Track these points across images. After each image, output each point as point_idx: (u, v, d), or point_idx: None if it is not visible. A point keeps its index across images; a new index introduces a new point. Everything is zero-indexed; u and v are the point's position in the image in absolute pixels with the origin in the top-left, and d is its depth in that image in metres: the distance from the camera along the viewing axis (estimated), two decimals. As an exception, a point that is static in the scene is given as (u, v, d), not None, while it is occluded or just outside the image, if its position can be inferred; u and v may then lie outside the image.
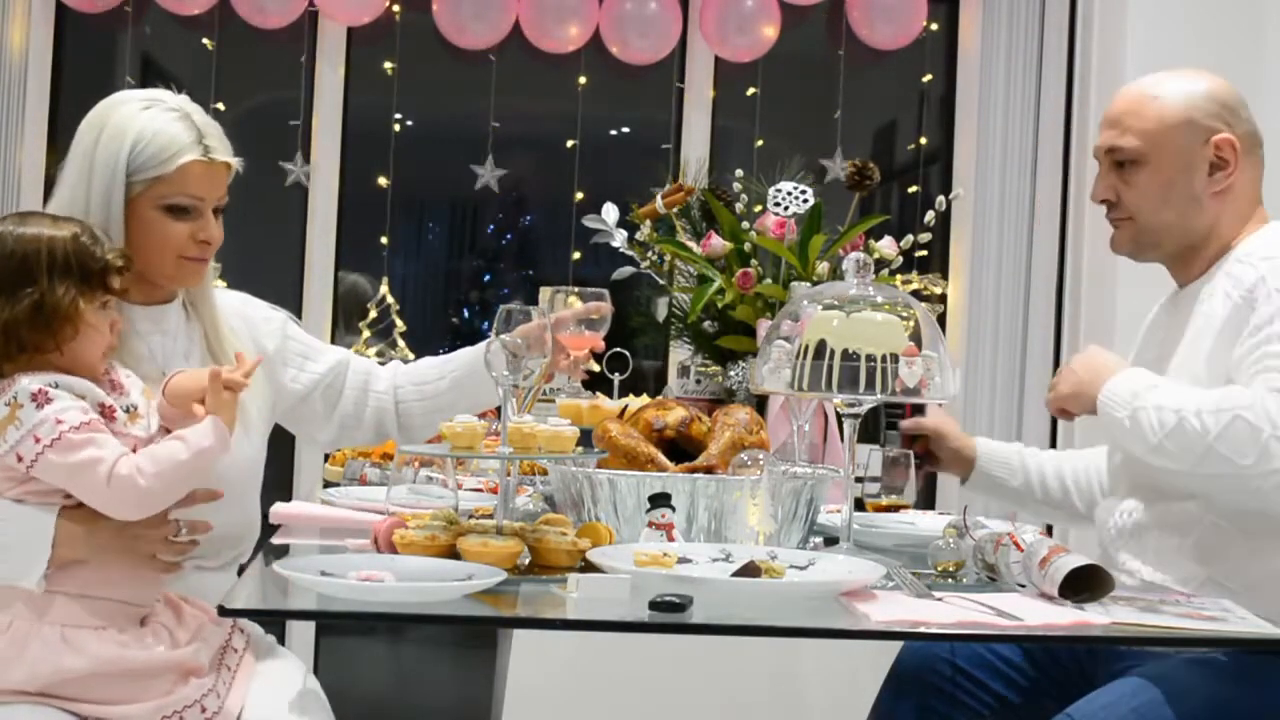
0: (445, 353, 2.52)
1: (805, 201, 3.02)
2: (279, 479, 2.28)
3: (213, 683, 1.90)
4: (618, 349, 2.79)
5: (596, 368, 2.39)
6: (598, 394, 2.77)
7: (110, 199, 2.02)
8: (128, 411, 1.90)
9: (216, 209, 2.11)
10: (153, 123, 2.05)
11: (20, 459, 1.80)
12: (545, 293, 3.50)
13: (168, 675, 1.86)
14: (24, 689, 1.80)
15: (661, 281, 3.16)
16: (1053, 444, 4.26)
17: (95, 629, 1.83)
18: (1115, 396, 2.07)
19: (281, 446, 2.33)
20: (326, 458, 3.22)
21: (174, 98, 2.11)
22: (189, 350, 2.15)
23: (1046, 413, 4.26)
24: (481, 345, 2.24)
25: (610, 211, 3.15)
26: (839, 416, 2.02)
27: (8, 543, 1.82)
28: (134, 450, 1.87)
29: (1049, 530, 4.13)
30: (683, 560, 1.80)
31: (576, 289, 2.50)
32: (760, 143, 4.40)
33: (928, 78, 4.54)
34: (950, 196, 3.27)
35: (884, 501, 2.51)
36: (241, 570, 2.16)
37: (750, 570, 1.72)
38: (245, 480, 2.17)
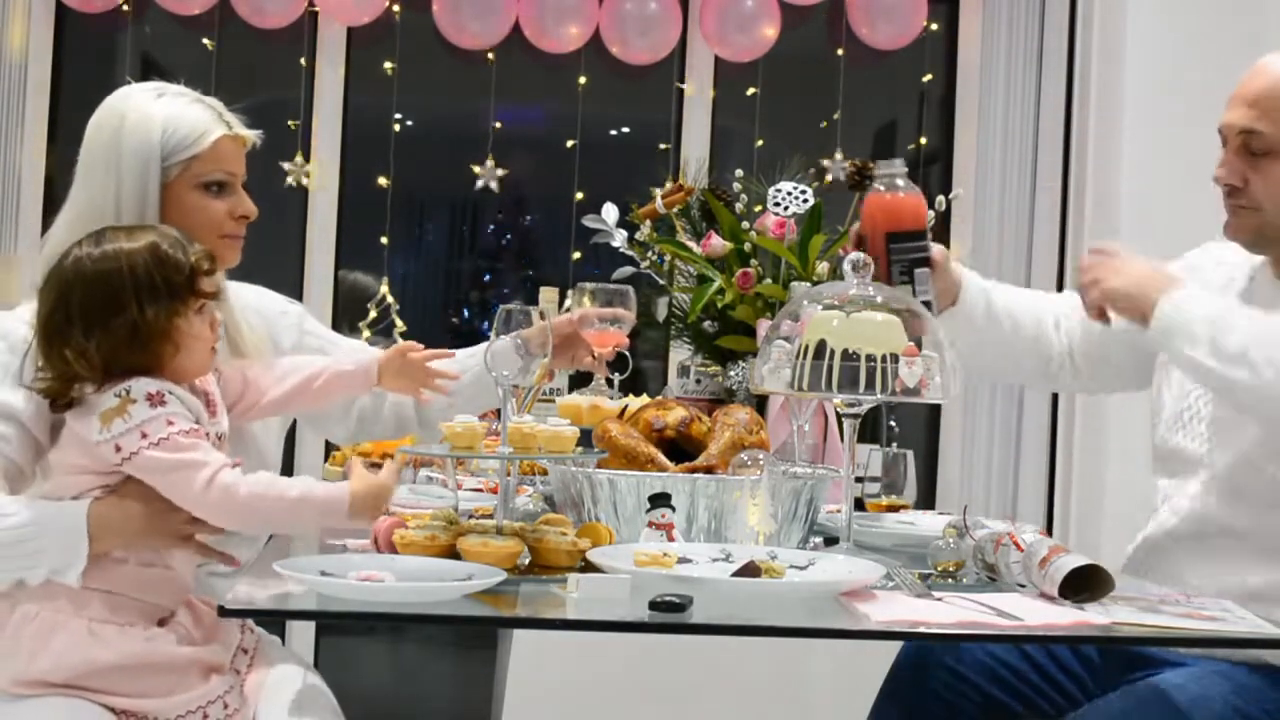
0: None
1: (805, 201, 3.02)
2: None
3: (233, 681, 1.92)
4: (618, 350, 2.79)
5: (608, 373, 2.36)
6: (598, 393, 2.77)
7: (146, 187, 2.02)
8: (220, 438, 1.91)
9: (244, 186, 2.13)
10: (173, 106, 2.07)
11: (119, 449, 1.80)
12: (546, 292, 3.51)
13: (192, 671, 1.87)
14: (48, 679, 1.81)
15: (661, 281, 3.16)
16: (1053, 446, 4.27)
17: (120, 625, 1.84)
18: (1182, 320, 1.92)
19: (282, 449, 2.33)
20: (326, 458, 3.22)
21: (174, 86, 2.13)
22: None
23: (1046, 414, 4.26)
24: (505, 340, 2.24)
25: (610, 211, 3.15)
26: (839, 416, 2.02)
27: (43, 546, 1.82)
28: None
29: (1049, 530, 4.14)
30: (683, 560, 1.79)
31: (594, 286, 2.44)
32: (760, 143, 4.40)
33: (928, 78, 4.54)
34: (950, 196, 3.26)
35: (884, 501, 2.51)
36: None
37: (750, 570, 1.72)
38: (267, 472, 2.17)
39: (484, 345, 2.40)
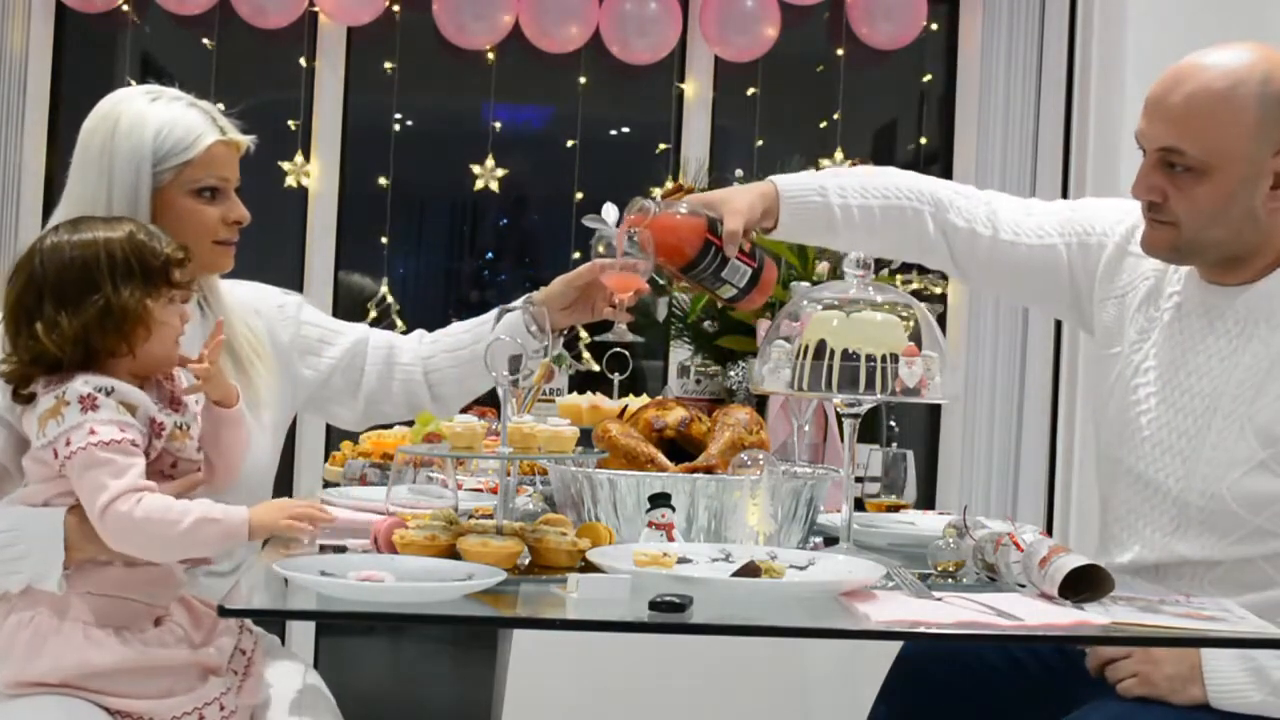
0: None
1: (805, 201, 3.01)
2: (279, 479, 2.27)
3: (230, 682, 1.92)
4: (618, 349, 2.79)
5: (630, 318, 2.30)
6: (598, 393, 2.77)
7: (138, 191, 2.02)
8: (180, 428, 1.90)
9: (237, 190, 2.11)
10: (168, 110, 2.05)
11: (56, 455, 1.80)
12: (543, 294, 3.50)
13: (189, 673, 1.87)
14: (46, 680, 1.81)
15: (661, 281, 3.16)
16: (1053, 448, 4.27)
17: (116, 628, 1.84)
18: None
19: (282, 447, 2.32)
20: (326, 458, 3.22)
21: (170, 89, 2.12)
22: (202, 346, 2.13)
23: (1046, 414, 4.26)
24: (515, 313, 2.21)
25: (610, 211, 3.14)
26: (839, 416, 2.02)
27: (23, 551, 1.82)
28: (173, 465, 1.89)
29: (1049, 530, 4.14)
30: (683, 560, 1.79)
31: (612, 233, 2.29)
32: (760, 143, 4.40)
33: (928, 78, 4.54)
34: (950, 196, 3.26)
35: (884, 501, 2.51)
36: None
37: (750, 570, 1.72)
38: (259, 483, 2.16)
39: (489, 314, 2.37)
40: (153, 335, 1.86)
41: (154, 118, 2.04)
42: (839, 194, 2.26)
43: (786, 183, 2.26)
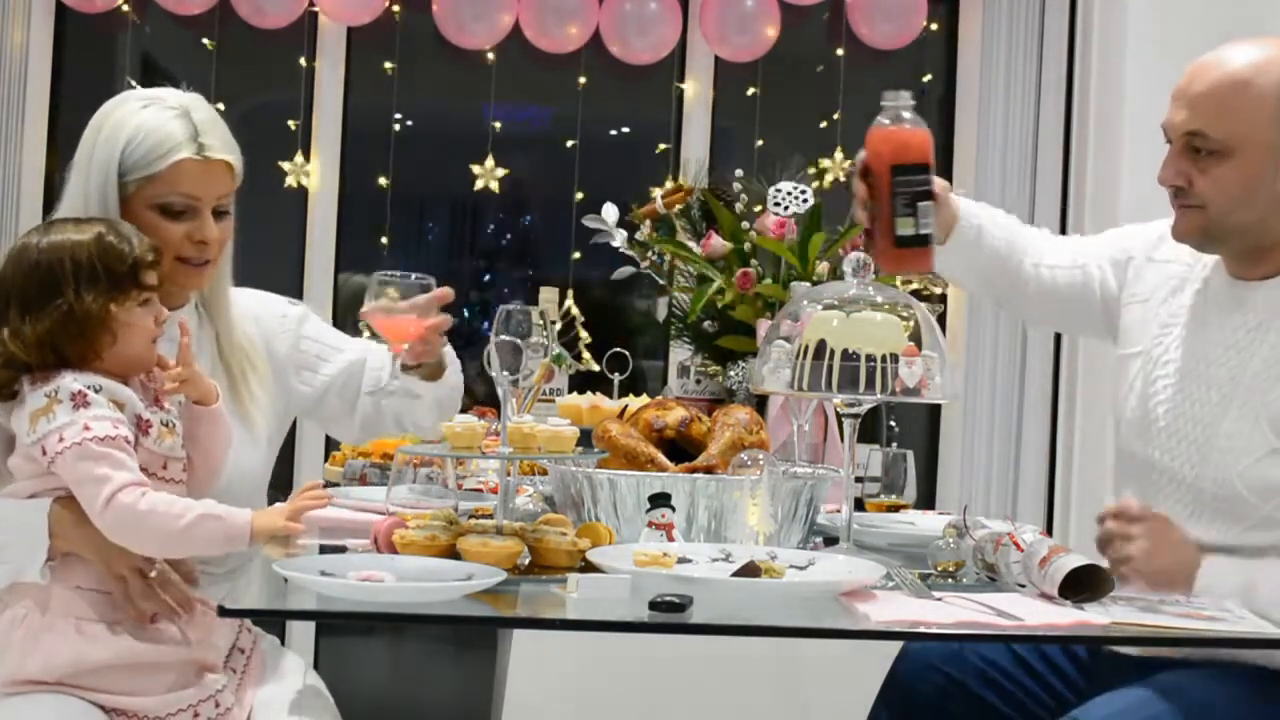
0: None
1: (805, 201, 3.02)
2: (279, 479, 2.27)
3: (226, 680, 1.92)
4: (618, 349, 2.79)
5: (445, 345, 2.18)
6: (598, 393, 2.78)
7: (106, 200, 1.99)
8: (166, 426, 1.90)
9: (218, 210, 2.05)
10: (149, 120, 2.01)
11: (44, 452, 1.80)
12: (545, 292, 3.51)
13: (184, 669, 1.87)
14: (41, 679, 1.81)
15: (661, 281, 3.17)
16: (1053, 448, 4.26)
17: (109, 623, 1.84)
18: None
19: (282, 446, 2.32)
20: (327, 458, 3.22)
21: (177, 95, 2.07)
22: (197, 356, 2.11)
23: (1046, 415, 4.26)
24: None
25: (610, 211, 3.15)
26: (839, 416, 2.02)
27: (6, 540, 1.82)
28: (164, 466, 1.88)
29: (1049, 530, 4.14)
30: (683, 560, 1.80)
31: (394, 276, 2.12)
32: (760, 143, 4.40)
33: (928, 78, 4.54)
34: (950, 196, 3.26)
35: (884, 501, 2.51)
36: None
37: (750, 570, 1.72)
38: (252, 489, 2.15)
39: None
40: (120, 339, 1.85)
41: (130, 126, 2.01)
42: (984, 216, 2.30)
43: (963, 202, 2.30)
